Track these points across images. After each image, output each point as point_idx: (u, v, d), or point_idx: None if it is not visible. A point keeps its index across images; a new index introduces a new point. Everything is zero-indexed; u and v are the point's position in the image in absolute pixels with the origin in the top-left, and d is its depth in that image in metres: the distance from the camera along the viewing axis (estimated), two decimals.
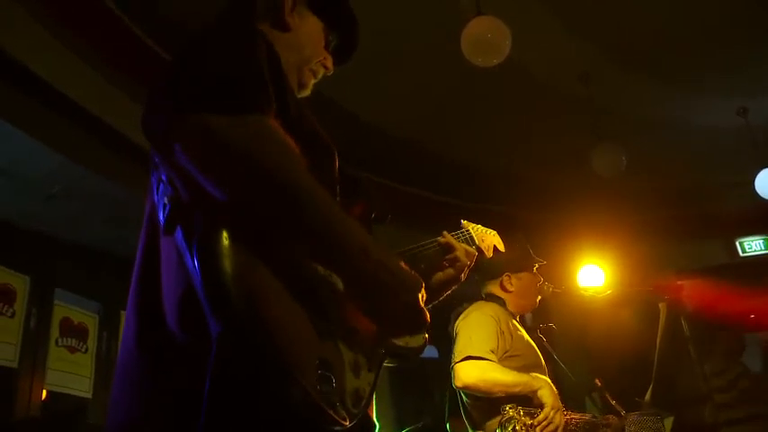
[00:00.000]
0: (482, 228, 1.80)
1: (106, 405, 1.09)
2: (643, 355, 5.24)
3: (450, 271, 1.48)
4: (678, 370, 5.52)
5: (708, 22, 4.04)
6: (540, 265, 2.87)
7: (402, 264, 1.11)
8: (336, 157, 1.24)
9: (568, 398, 2.68)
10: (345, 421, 0.94)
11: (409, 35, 3.96)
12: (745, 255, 6.29)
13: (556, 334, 3.10)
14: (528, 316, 3.64)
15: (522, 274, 2.81)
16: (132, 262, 1.11)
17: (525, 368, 2.49)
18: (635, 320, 5.55)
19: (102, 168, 3.79)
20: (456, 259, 1.48)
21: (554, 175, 5.39)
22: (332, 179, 1.21)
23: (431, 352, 4.87)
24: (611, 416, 2.66)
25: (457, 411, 2.64)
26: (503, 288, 2.79)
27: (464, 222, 1.74)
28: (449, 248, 1.50)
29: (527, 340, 2.70)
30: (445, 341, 2.66)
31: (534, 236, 3.43)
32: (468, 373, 2.42)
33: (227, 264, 0.89)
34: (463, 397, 2.58)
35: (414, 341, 1.20)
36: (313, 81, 1.38)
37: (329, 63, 1.41)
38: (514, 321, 2.72)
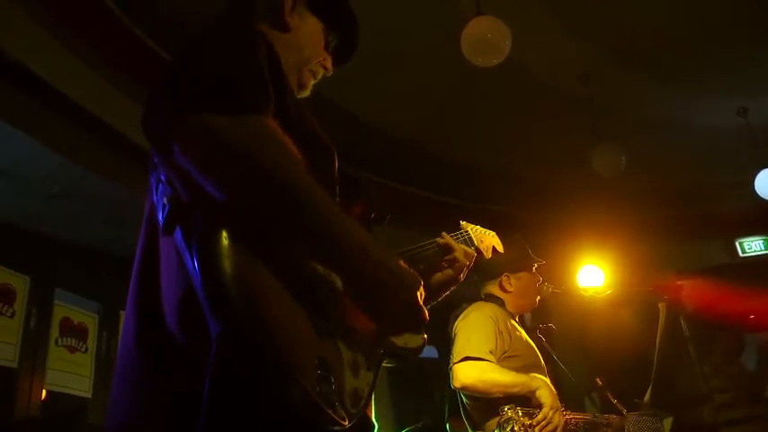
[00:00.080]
0: (481, 229, 1.80)
1: (106, 405, 1.09)
2: (643, 356, 5.25)
3: (449, 272, 1.48)
4: (678, 370, 5.52)
5: (708, 22, 4.04)
6: (539, 265, 2.87)
7: (401, 262, 1.12)
8: (336, 157, 1.24)
9: (568, 398, 2.68)
10: (344, 421, 0.94)
11: (409, 35, 3.97)
12: (745, 255, 6.30)
13: (555, 334, 3.10)
14: (527, 316, 3.64)
15: (521, 274, 2.81)
16: (132, 262, 1.11)
17: (524, 368, 2.49)
18: (635, 321, 5.55)
19: (101, 168, 3.79)
20: (455, 260, 1.48)
21: (554, 175, 5.39)
22: (331, 179, 1.21)
23: (430, 352, 4.87)
24: (611, 415, 2.67)
25: (456, 411, 2.64)
26: (502, 288, 2.79)
27: (463, 223, 1.74)
28: (448, 249, 1.50)
29: (526, 340, 2.70)
30: (445, 341, 2.66)
31: (534, 236, 3.44)
32: (466, 374, 2.43)
33: (227, 264, 0.89)
34: (463, 397, 2.58)
35: (413, 341, 1.20)
36: (313, 82, 1.38)
37: (329, 64, 1.41)
38: (513, 322, 2.72)
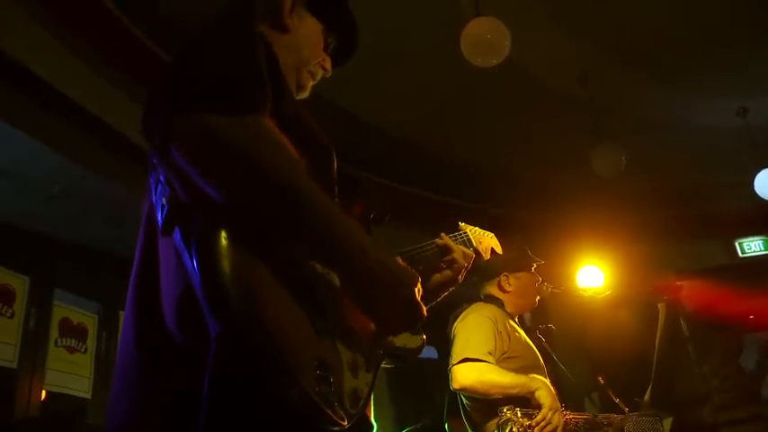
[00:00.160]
0: (479, 230, 1.80)
1: (105, 405, 1.09)
2: (642, 356, 5.25)
3: (448, 273, 1.48)
4: (677, 370, 5.53)
5: (708, 22, 4.04)
6: (538, 265, 2.87)
7: (399, 259, 1.12)
8: (335, 157, 1.24)
9: (567, 398, 2.68)
10: (343, 421, 0.94)
11: (410, 34, 3.97)
12: (745, 255, 6.29)
13: (555, 335, 3.10)
14: (527, 316, 3.64)
15: (520, 274, 2.81)
16: (132, 262, 1.11)
17: (524, 369, 2.49)
18: (634, 321, 5.55)
19: (101, 168, 3.79)
20: (454, 261, 1.48)
21: (554, 176, 5.39)
22: (331, 179, 1.21)
23: (430, 353, 4.87)
24: (612, 414, 2.66)
25: (456, 412, 2.64)
26: (501, 288, 2.79)
27: (462, 224, 1.74)
28: (447, 251, 1.50)
29: (525, 341, 2.70)
30: (444, 342, 2.67)
31: (534, 236, 3.44)
32: (465, 375, 2.43)
33: (226, 264, 0.89)
34: (463, 399, 2.58)
35: (412, 342, 1.20)
36: (311, 83, 1.38)
37: (328, 65, 1.41)
38: (512, 322, 2.72)
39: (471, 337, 2.50)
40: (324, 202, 1.01)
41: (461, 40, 3.38)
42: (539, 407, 2.32)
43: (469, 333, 2.53)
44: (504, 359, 2.51)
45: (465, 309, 2.69)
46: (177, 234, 0.96)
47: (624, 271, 5.35)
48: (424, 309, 1.11)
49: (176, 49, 1.10)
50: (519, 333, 2.69)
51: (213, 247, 0.89)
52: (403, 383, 5.66)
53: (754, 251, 6.30)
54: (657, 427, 2.68)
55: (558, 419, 2.32)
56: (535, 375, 2.46)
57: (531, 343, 2.72)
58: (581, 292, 4.58)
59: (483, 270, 2.76)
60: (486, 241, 1.80)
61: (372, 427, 1.17)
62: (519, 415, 2.26)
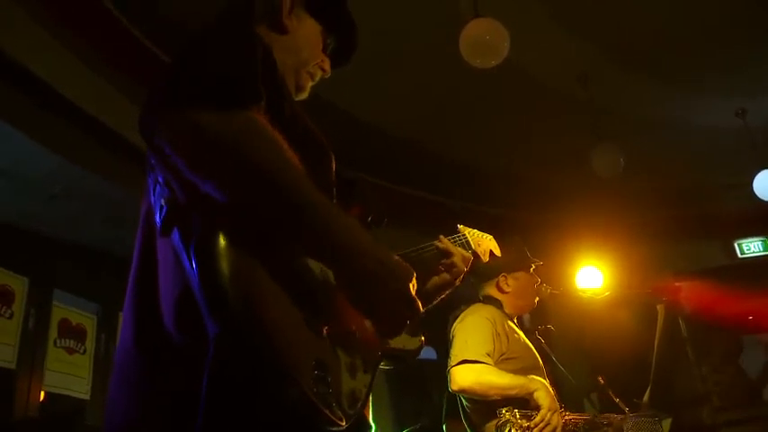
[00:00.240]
0: (478, 232, 1.80)
1: (104, 406, 1.09)
2: (641, 357, 5.25)
3: (446, 275, 1.48)
4: (676, 371, 5.53)
5: (708, 22, 4.04)
6: (537, 266, 2.87)
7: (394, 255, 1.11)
8: (333, 158, 1.24)
9: (567, 399, 2.67)
10: (341, 422, 0.94)
11: (409, 35, 3.97)
12: (744, 256, 6.29)
13: (554, 335, 3.10)
14: (526, 317, 3.64)
15: (519, 275, 2.81)
16: (131, 263, 1.11)
17: (523, 370, 2.48)
18: (633, 322, 5.55)
19: (101, 168, 3.79)
20: (452, 264, 1.48)
21: (554, 176, 5.39)
22: (329, 180, 1.21)
23: (429, 353, 4.87)
24: (611, 415, 2.66)
25: (455, 413, 2.64)
26: (499, 289, 2.79)
27: (460, 227, 1.74)
28: (446, 253, 1.50)
29: (524, 342, 2.69)
30: (443, 343, 2.66)
31: (533, 237, 3.44)
32: (463, 377, 2.42)
33: (225, 265, 0.89)
34: (462, 400, 2.58)
35: (410, 343, 1.20)
36: (310, 83, 1.38)
37: (327, 66, 1.41)
38: (511, 323, 2.72)
39: (470, 339, 2.50)
40: (321, 199, 1.01)
41: (460, 42, 3.39)
42: (537, 408, 2.32)
43: (468, 334, 2.53)
44: (503, 360, 2.51)
45: (464, 310, 2.69)
46: (176, 235, 0.96)
47: (623, 272, 5.35)
48: (420, 304, 1.10)
49: (176, 49, 1.10)
50: (518, 334, 2.68)
51: (212, 248, 0.89)
52: (402, 384, 5.66)
53: (754, 252, 6.30)
54: (656, 427, 2.68)
55: (556, 420, 2.32)
56: (534, 376, 2.46)
57: (530, 344, 2.72)
58: (580, 293, 4.57)
59: (481, 271, 2.76)
60: (484, 244, 1.80)
61: (371, 427, 1.17)
62: (518, 416, 2.26)
